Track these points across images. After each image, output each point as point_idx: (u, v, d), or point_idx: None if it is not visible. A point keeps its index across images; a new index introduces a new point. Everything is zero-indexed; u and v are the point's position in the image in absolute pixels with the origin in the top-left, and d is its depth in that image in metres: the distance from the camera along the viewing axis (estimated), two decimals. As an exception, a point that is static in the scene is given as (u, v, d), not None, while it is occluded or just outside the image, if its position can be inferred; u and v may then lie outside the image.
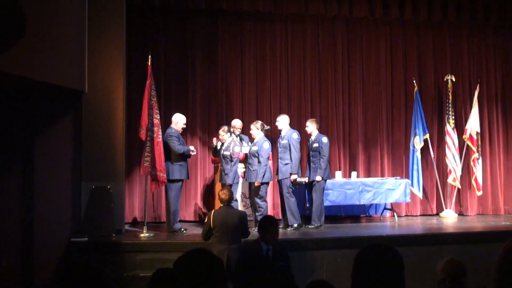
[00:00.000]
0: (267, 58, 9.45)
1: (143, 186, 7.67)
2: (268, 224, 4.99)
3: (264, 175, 7.46)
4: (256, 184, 7.41)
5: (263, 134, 7.68)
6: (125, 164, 7.66)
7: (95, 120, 7.35)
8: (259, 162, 7.46)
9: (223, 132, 7.62)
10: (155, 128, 7.22)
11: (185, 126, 7.76)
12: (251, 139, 7.98)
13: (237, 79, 9.35)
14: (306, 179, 7.93)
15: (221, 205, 5.87)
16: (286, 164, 7.68)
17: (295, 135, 7.78)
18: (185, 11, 9.03)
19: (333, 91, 9.65)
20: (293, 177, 7.65)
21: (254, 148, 7.57)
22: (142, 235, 7.11)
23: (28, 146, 6.84)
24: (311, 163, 7.94)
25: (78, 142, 7.24)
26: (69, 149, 7.14)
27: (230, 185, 7.32)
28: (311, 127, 8.02)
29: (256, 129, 7.67)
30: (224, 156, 7.45)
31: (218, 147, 7.69)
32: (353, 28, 9.78)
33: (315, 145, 7.90)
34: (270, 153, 7.72)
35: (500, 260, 1.89)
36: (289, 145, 7.69)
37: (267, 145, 7.52)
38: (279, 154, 7.82)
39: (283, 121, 7.91)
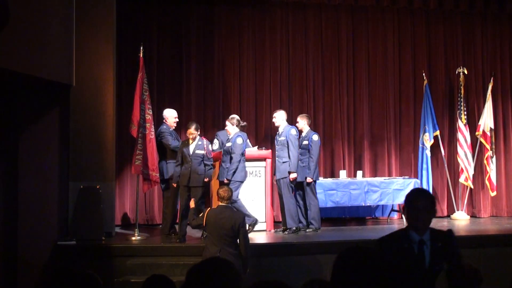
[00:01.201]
0: (267, 49, 9.46)
1: (135, 186, 7.67)
2: (416, 197, 3.39)
3: (235, 172, 7.30)
4: (225, 181, 7.25)
5: (238, 130, 7.63)
6: (116, 162, 7.66)
7: (83, 115, 7.34)
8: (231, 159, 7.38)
9: (195, 131, 7.18)
10: (147, 125, 7.24)
11: (177, 119, 7.77)
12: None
13: (234, 72, 9.36)
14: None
15: (220, 203, 5.80)
16: (284, 162, 7.68)
17: (293, 131, 7.78)
18: (179, -2, 9.07)
19: (337, 84, 9.66)
20: (293, 175, 7.65)
21: (228, 145, 7.51)
22: (133, 238, 7.14)
23: (12, 143, 6.85)
24: (300, 162, 7.89)
25: (65, 139, 7.24)
26: (55, 147, 7.14)
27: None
28: (302, 123, 8.01)
29: (231, 125, 7.60)
30: (196, 156, 7.13)
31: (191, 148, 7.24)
32: (359, 17, 9.79)
33: (305, 142, 7.88)
34: (245, 150, 7.51)
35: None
36: (287, 142, 7.69)
37: (240, 140, 7.39)
38: (277, 152, 7.82)
39: (280, 117, 7.90)
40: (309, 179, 7.73)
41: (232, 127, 7.59)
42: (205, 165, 7.16)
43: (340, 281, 2.16)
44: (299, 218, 7.84)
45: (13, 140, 6.86)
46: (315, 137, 7.90)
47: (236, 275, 2.20)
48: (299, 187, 7.89)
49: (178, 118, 7.89)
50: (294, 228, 7.61)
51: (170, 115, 7.71)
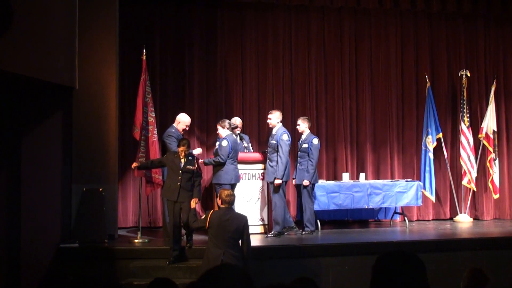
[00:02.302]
0: (270, 52, 9.47)
1: (137, 188, 7.70)
2: None
3: (217, 174, 7.27)
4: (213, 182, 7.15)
5: (229, 132, 7.55)
6: (118, 165, 7.68)
7: (86, 118, 7.36)
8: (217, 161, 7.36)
9: (187, 149, 6.69)
10: (150, 127, 7.26)
11: (187, 128, 7.65)
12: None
13: (237, 74, 9.38)
14: (293, 181, 7.97)
15: (222, 206, 5.80)
16: (273, 166, 7.59)
17: (285, 136, 7.61)
18: (182, 0, 9.07)
19: (339, 87, 9.67)
20: (277, 182, 7.48)
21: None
22: (136, 240, 7.16)
23: (14, 146, 6.86)
24: (298, 164, 7.90)
25: (68, 142, 7.27)
26: (58, 150, 7.17)
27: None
28: (303, 125, 7.99)
29: (222, 128, 7.53)
30: (187, 171, 6.69)
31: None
32: (361, 19, 9.80)
33: (305, 145, 7.87)
34: (231, 152, 7.39)
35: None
36: (277, 146, 7.59)
37: (224, 143, 7.34)
38: (268, 155, 7.75)
39: (275, 118, 7.77)
40: (305, 182, 7.72)
41: (223, 130, 7.55)
42: (194, 180, 6.72)
43: (380, 286, 2.16)
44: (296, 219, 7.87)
45: (16, 142, 6.87)
46: (315, 140, 7.89)
47: (249, 283, 2.18)
48: (298, 190, 7.89)
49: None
50: (277, 232, 7.51)
51: (182, 121, 7.55)
